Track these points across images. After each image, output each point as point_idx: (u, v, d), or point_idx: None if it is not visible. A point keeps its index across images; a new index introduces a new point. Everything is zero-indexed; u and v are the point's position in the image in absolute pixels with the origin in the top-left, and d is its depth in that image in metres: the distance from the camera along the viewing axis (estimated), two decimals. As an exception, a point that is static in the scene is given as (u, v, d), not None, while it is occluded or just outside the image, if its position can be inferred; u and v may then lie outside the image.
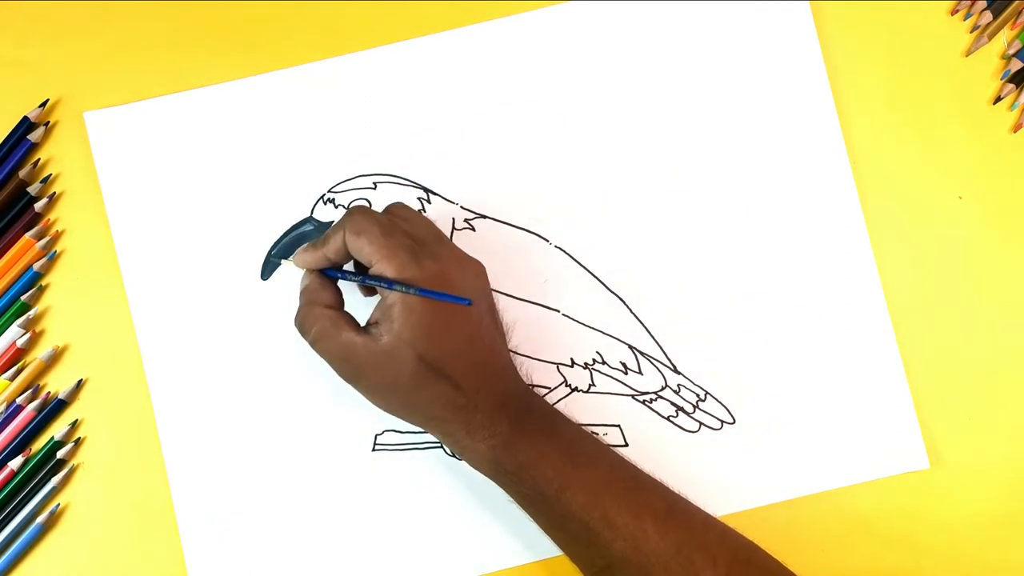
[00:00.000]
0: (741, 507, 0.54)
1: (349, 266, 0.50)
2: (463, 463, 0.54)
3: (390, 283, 0.46)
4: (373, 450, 0.55)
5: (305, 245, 0.50)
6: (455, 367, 0.47)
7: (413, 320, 0.46)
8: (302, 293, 0.50)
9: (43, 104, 0.56)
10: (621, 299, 0.55)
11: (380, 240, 0.46)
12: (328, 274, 0.50)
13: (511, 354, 0.51)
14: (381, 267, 0.46)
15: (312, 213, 0.55)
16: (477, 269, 0.50)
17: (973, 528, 0.55)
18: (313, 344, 0.48)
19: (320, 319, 0.48)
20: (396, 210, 0.50)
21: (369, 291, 0.51)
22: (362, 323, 0.48)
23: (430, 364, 0.46)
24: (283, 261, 0.53)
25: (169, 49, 0.57)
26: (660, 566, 0.46)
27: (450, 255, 0.49)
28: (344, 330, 0.47)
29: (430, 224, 0.50)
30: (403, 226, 0.48)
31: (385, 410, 0.49)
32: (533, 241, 0.56)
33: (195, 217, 0.56)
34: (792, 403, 0.55)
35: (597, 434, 0.55)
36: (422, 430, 0.55)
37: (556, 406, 0.55)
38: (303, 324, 0.49)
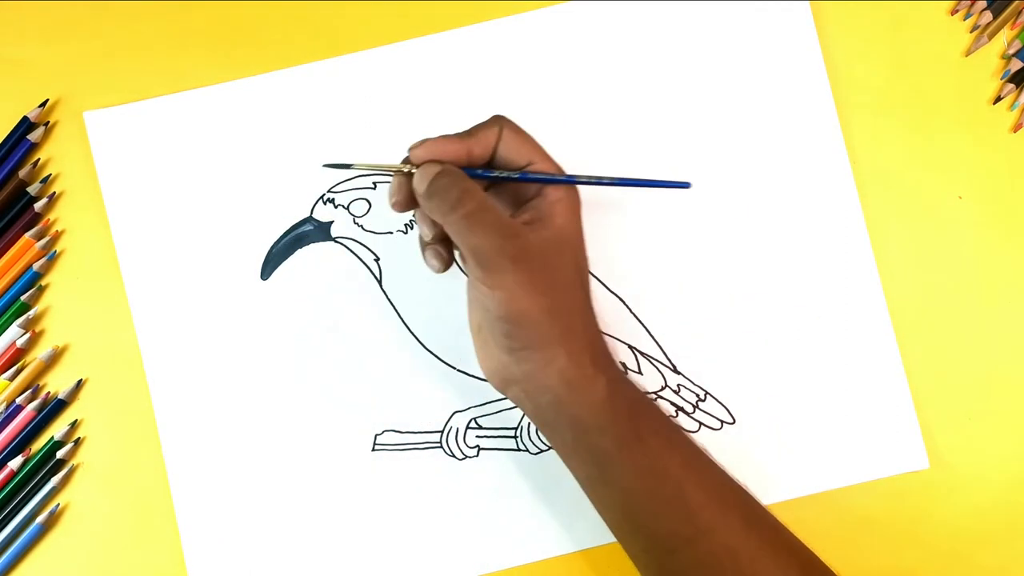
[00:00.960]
0: (741, 507, 0.54)
1: None
2: (463, 463, 0.54)
3: (571, 178, 0.44)
4: (373, 450, 0.55)
5: (435, 138, 0.45)
6: (588, 285, 0.45)
7: (574, 222, 0.44)
8: (441, 173, 0.44)
9: (43, 104, 0.56)
10: (621, 299, 0.55)
11: (536, 143, 0.45)
12: (467, 173, 0.45)
13: None
14: (545, 165, 0.45)
15: (312, 213, 0.55)
16: None
17: (973, 528, 0.55)
18: (468, 218, 0.42)
19: (479, 192, 0.43)
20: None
21: (440, 251, 0.47)
22: None
23: (579, 270, 0.44)
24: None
25: (169, 49, 0.57)
26: (744, 544, 0.43)
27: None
28: (503, 211, 0.44)
29: None
30: None
31: (524, 313, 0.43)
32: (533, 241, 0.56)
33: (195, 217, 0.56)
34: (792, 403, 0.55)
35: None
36: (422, 431, 0.55)
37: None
38: (458, 196, 0.43)
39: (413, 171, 0.45)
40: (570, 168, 0.56)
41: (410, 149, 0.45)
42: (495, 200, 0.47)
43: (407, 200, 0.46)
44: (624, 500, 0.44)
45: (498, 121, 0.45)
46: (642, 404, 0.45)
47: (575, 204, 0.45)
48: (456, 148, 0.44)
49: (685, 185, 0.44)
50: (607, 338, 0.55)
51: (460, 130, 0.47)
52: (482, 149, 0.45)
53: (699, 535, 0.43)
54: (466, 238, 0.42)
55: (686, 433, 0.47)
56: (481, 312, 0.45)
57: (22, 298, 0.55)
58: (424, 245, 0.47)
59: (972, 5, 0.57)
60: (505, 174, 0.45)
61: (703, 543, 0.42)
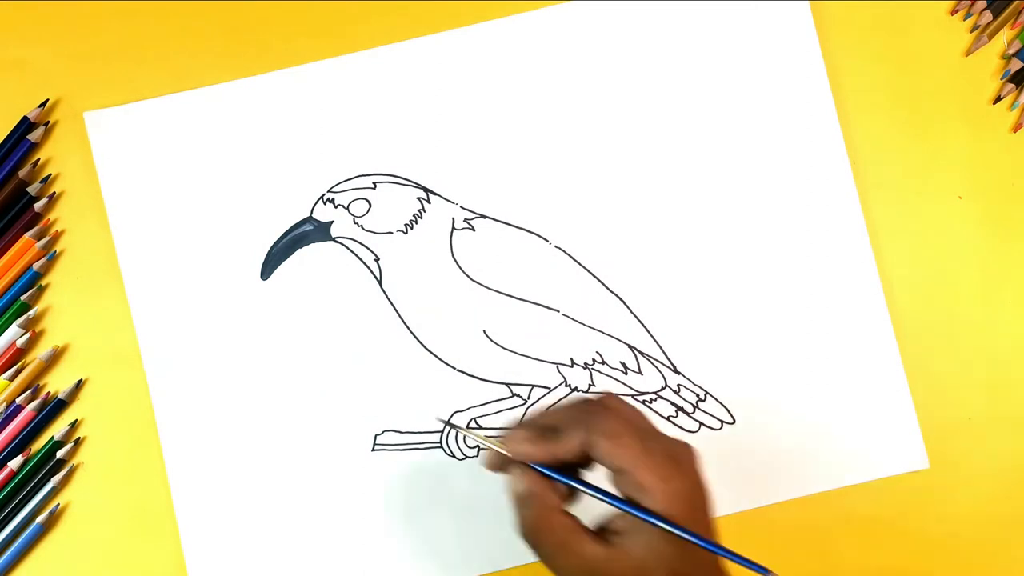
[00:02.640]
0: (741, 507, 0.54)
1: None
2: (463, 463, 0.54)
3: (661, 519, 0.39)
4: (373, 450, 0.55)
5: (522, 430, 0.42)
6: None
7: (663, 548, 0.40)
8: (524, 495, 0.42)
9: (43, 104, 0.56)
10: (621, 299, 0.55)
11: (639, 446, 0.40)
12: (552, 475, 0.42)
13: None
14: (641, 475, 0.40)
15: (312, 213, 0.55)
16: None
17: (973, 528, 0.55)
18: (549, 558, 0.41)
19: (558, 529, 0.41)
20: (619, 405, 0.43)
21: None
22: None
23: None
24: (491, 446, 0.43)
25: (169, 49, 0.57)
26: None
27: (690, 458, 0.42)
28: (586, 542, 0.40)
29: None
30: (653, 428, 0.42)
31: None
32: (533, 241, 0.56)
33: (195, 217, 0.56)
34: (792, 403, 0.55)
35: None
36: (422, 431, 0.55)
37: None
38: (538, 531, 0.41)
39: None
40: (569, 163, 0.56)
41: (506, 439, 0.43)
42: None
43: (501, 469, 0.44)
44: None
45: (588, 419, 0.41)
46: None
47: (677, 509, 0.40)
48: (543, 452, 0.42)
49: (765, 571, 0.40)
50: (609, 338, 0.55)
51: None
52: (566, 453, 0.41)
53: None
54: (549, 565, 0.41)
55: None
56: None
57: (22, 298, 0.55)
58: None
59: (972, 5, 0.57)
60: (589, 490, 0.42)
61: None
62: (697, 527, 0.40)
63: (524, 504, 0.42)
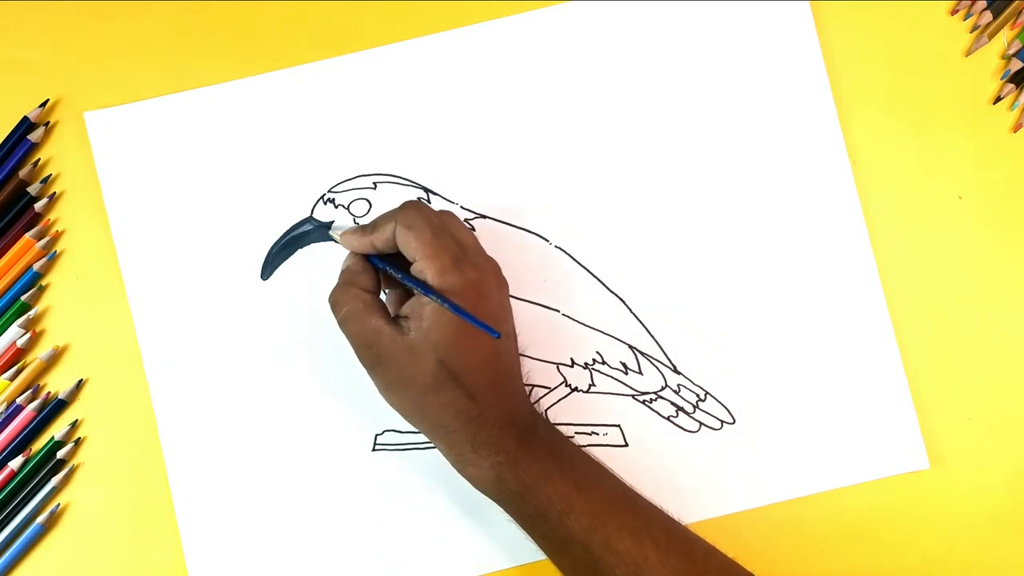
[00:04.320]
0: (741, 507, 0.54)
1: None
2: (463, 463, 0.55)
3: (427, 290, 0.46)
4: (373, 450, 0.55)
5: (355, 227, 0.50)
6: (473, 379, 0.47)
7: (442, 324, 0.46)
8: (342, 272, 0.50)
9: (43, 104, 0.56)
10: (621, 299, 0.55)
11: (429, 239, 0.47)
12: (371, 261, 0.50)
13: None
14: (424, 265, 0.47)
15: (312, 213, 0.55)
16: (506, 286, 0.51)
17: (973, 528, 0.55)
18: (341, 323, 0.48)
19: (353, 300, 0.48)
20: (446, 216, 0.50)
21: (390, 284, 0.51)
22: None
23: (450, 370, 0.46)
24: (332, 233, 0.53)
25: (169, 49, 0.57)
26: None
27: (488, 267, 0.49)
28: (375, 316, 0.47)
29: (473, 236, 0.51)
30: (452, 230, 0.49)
31: (395, 407, 0.49)
32: (533, 241, 0.56)
33: (195, 217, 0.56)
34: (792, 403, 0.55)
35: (597, 433, 0.55)
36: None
37: (556, 406, 0.55)
38: (336, 301, 0.49)
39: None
40: (569, 163, 0.56)
41: (342, 235, 0.51)
42: (392, 292, 0.51)
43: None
44: (548, 556, 0.49)
45: (394, 216, 0.48)
46: (538, 479, 0.47)
47: (443, 310, 0.46)
48: (362, 242, 0.49)
49: (495, 334, 0.46)
50: (609, 338, 0.55)
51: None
52: (383, 243, 0.48)
53: None
54: (344, 333, 0.49)
55: (595, 478, 0.49)
56: None
57: (22, 298, 0.55)
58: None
59: (972, 5, 0.57)
60: (393, 271, 0.49)
61: None
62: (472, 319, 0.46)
63: (339, 278, 0.50)
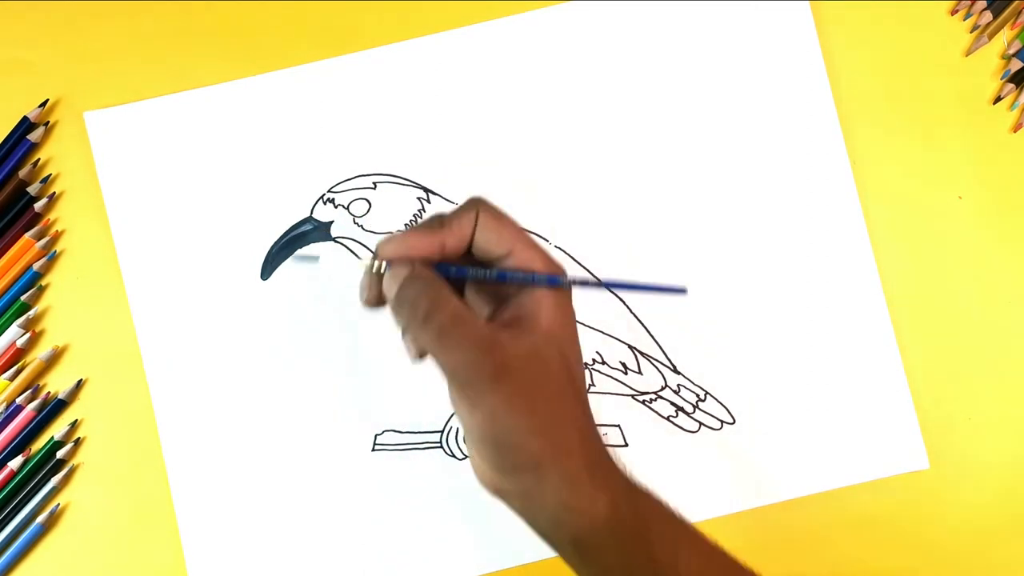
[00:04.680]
0: (741, 507, 0.54)
1: None
2: (463, 463, 0.54)
3: (553, 278, 0.39)
4: (373, 450, 0.55)
5: (406, 231, 0.40)
6: (584, 385, 0.39)
7: (563, 319, 0.39)
8: (410, 279, 0.38)
9: (43, 104, 0.56)
10: (621, 299, 0.55)
11: (519, 229, 0.39)
12: (440, 269, 0.39)
13: None
14: (527, 255, 0.39)
15: (312, 213, 0.55)
16: None
17: (973, 528, 0.55)
18: (440, 333, 0.37)
19: (452, 302, 0.38)
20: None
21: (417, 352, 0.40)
22: None
23: (572, 375, 0.39)
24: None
25: (169, 49, 0.57)
26: None
27: (544, 256, 0.41)
28: (479, 322, 0.38)
29: None
30: None
31: (505, 433, 0.37)
32: (533, 241, 0.56)
33: (195, 217, 0.56)
34: (792, 403, 0.55)
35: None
36: (422, 431, 0.55)
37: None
38: (428, 308, 0.37)
39: (383, 269, 0.40)
40: (569, 163, 0.56)
41: (379, 245, 0.40)
42: (474, 297, 0.42)
43: (378, 299, 0.40)
44: None
45: (474, 206, 0.40)
46: (652, 515, 0.39)
47: (564, 297, 0.39)
48: (428, 243, 0.39)
49: (681, 291, 0.39)
50: (609, 338, 0.55)
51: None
52: (456, 240, 0.39)
53: None
54: (439, 355, 0.38)
55: (701, 535, 0.40)
56: (463, 427, 0.39)
57: (22, 298, 0.55)
58: (402, 332, 0.40)
59: (972, 5, 0.57)
60: (483, 272, 0.40)
61: None
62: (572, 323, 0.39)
63: (413, 286, 0.38)
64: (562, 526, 0.38)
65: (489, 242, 0.39)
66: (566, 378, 0.38)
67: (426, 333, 0.38)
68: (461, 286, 0.41)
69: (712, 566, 0.39)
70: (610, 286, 0.40)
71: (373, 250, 0.40)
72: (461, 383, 0.37)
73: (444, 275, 0.39)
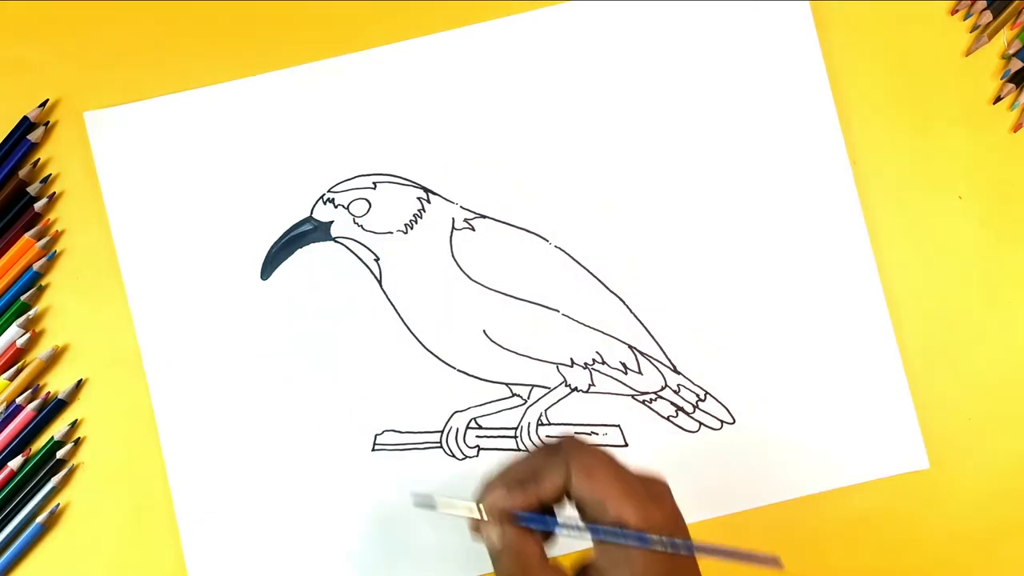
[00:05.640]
0: (741, 507, 0.54)
1: None
2: (463, 463, 0.54)
3: (643, 536, 0.38)
4: (373, 450, 0.55)
5: (494, 483, 0.41)
6: None
7: (655, 570, 0.38)
8: (507, 548, 0.40)
9: (43, 104, 0.56)
10: (621, 299, 0.55)
11: (616, 478, 0.39)
12: (528, 522, 0.40)
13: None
14: (620, 506, 0.39)
15: (312, 213, 0.55)
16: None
17: (973, 528, 0.55)
18: None
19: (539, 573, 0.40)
20: (587, 442, 0.42)
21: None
22: None
23: None
24: (473, 514, 0.41)
25: (169, 49, 0.57)
26: None
27: (665, 487, 0.41)
28: None
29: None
30: (615, 459, 0.41)
31: None
32: (533, 241, 0.56)
33: (195, 217, 0.56)
34: (792, 403, 0.55)
35: (597, 433, 0.55)
36: (422, 431, 0.55)
37: (556, 406, 0.55)
38: None
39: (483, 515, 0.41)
40: (569, 163, 0.56)
41: (482, 492, 0.41)
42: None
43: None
44: None
45: (565, 456, 0.40)
46: None
47: (651, 561, 0.38)
48: (523, 499, 0.40)
49: (775, 562, 0.38)
50: (609, 338, 0.55)
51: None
52: (550, 494, 0.40)
53: None
54: None
55: None
56: None
57: (22, 298, 0.55)
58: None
59: (972, 5, 0.57)
60: (572, 528, 0.40)
61: None
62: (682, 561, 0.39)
63: (507, 558, 0.40)
64: None
65: (582, 491, 0.39)
66: None
67: None
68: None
69: None
70: (699, 550, 0.39)
71: (479, 492, 0.41)
72: None
73: (537, 526, 0.40)
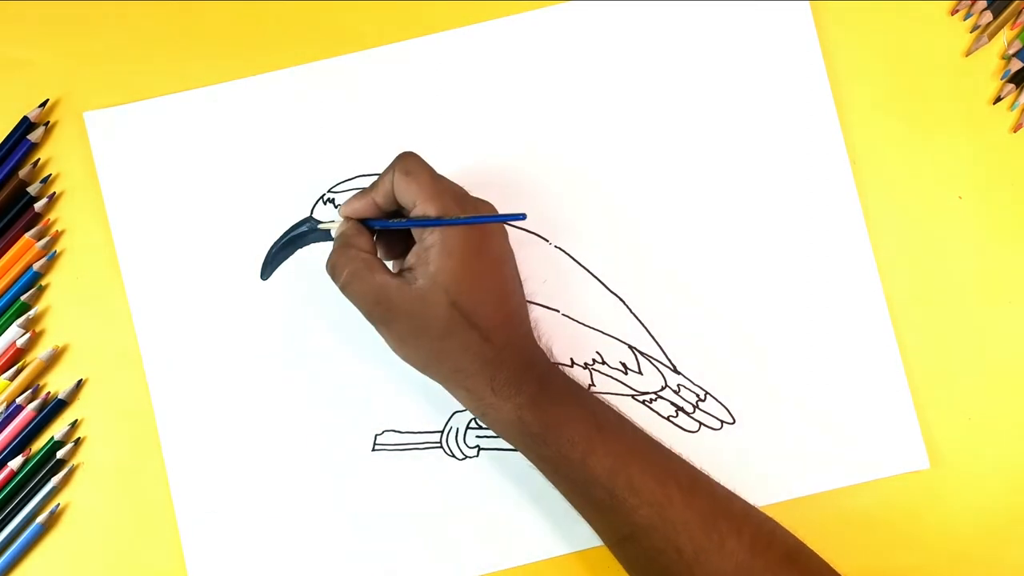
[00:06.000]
0: (741, 507, 0.54)
1: None
2: (463, 463, 0.54)
3: (436, 220, 0.46)
4: (373, 450, 0.55)
5: (354, 194, 0.50)
6: (487, 318, 0.47)
7: (451, 264, 0.46)
8: (337, 238, 0.49)
9: (43, 104, 0.56)
10: (621, 299, 0.55)
11: (428, 182, 0.47)
12: (368, 224, 0.49)
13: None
14: (426, 207, 0.46)
15: (312, 213, 0.55)
16: (505, 232, 0.51)
17: (973, 528, 0.55)
18: (344, 287, 0.48)
19: (353, 261, 0.47)
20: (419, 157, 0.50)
21: (388, 247, 0.51)
22: None
23: (463, 311, 0.46)
24: (334, 216, 0.52)
25: (169, 49, 0.57)
26: (686, 533, 0.45)
27: (487, 207, 0.49)
28: (378, 272, 0.47)
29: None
30: (447, 179, 0.49)
31: (409, 360, 0.49)
32: (533, 241, 0.56)
33: (195, 217, 0.56)
34: (792, 403, 0.55)
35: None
36: (422, 430, 0.55)
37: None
38: (335, 266, 0.48)
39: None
40: (569, 163, 0.56)
41: (340, 208, 0.50)
42: (386, 248, 0.51)
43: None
44: (569, 500, 0.49)
45: (392, 165, 0.48)
46: (563, 420, 0.47)
47: (453, 244, 0.46)
48: (364, 204, 0.49)
49: (520, 216, 0.45)
50: (609, 338, 0.55)
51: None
52: (383, 197, 0.48)
53: (644, 528, 0.46)
54: (347, 296, 0.48)
55: (616, 422, 0.49)
56: None
57: (22, 298, 0.55)
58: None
59: (972, 5, 0.57)
60: (387, 223, 0.49)
61: (654, 533, 0.46)
62: (474, 259, 0.47)
63: (335, 245, 0.49)
64: (486, 421, 0.49)
65: (401, 194, 0.47)
66: (453, 315, 0.46)
67: (334, 278, 0.48)
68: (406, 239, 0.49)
69: (621, 465, 0.46)
70: (449, 223, 0.46)
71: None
72: (369, 322, 0.48)
73: (370, 227, 0.49)
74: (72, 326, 0.56)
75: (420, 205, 0.46)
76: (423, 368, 0.49)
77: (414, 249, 0.47)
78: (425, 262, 0.46)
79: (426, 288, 0.46)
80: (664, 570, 0.46)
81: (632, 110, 0.56)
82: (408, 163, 0.47)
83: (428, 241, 0.46)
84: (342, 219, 0.50)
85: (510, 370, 0.47)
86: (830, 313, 0.55)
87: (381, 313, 0.47)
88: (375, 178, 0.55)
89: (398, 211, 0.49)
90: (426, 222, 0.46)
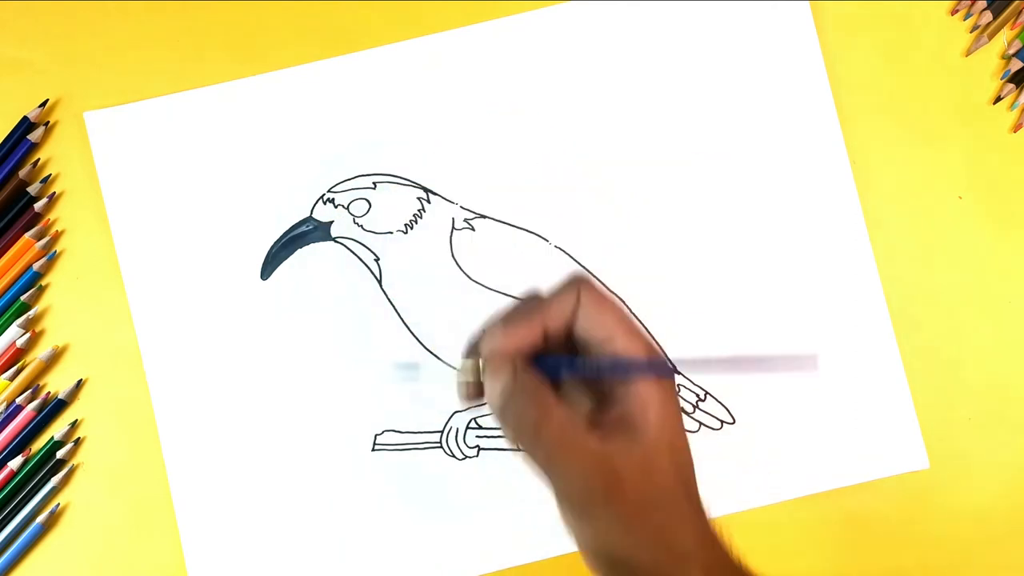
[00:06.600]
0: (741, 507, 0.54)
1: None
2: (463, 463, 0.54)
3: (661, 370, 0.36)
4: (373, 450, 0.55)
5: (506, 317, 0.37)
6: (695, 485, 0.37)
7: (670, 417, 0.36)
8: (515, 394, 0.36)
9: (43, 104, 0.56)
10: (621, 299, 0.55)
11: (623, 313, 0.36)
12: (542, 365, 0.36)
13: None
14: (628, 344, 0.36)
15: (312, 213, 0.55)
16: None
17: (972, 528, 0.55)
18: (549, 453, 0.36)
19: (558, 416, 0.35)
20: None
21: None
22: None
23: (684, 478, 0.36)
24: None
25: (169, 49, 0.57)
26: None
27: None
28: (589, 437, 0.35)
29: None
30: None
31: (605, 554, 0.36)
32: (533, 241, 0.56)
33: (195, 217, 0.56)
34: (792, 403, 0.55)
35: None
36: (422, 431, 0.55)
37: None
38: (535, 425, 0.35)
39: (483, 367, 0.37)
40: (569, 163, 0.56)
41: (479, 341, 0.37)
42: (572, 387, 0.38)
43: (477, 395, 0.38)
44: None
45: (575, 286, 0.37)
46: None
47: (669, 393, 0.36)
48: (528, 333, 0.36)
49: (811, 362, 0.35)
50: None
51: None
52: (558, 324, 0.37)
53: None
54: (548, 474, 0.36)
55: None
56: (571, 534, 0.37)
57: (22, 298, 0.55)
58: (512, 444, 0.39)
59: (972, 5, 0.57)
60: (584, 370, 0.37)
61: None
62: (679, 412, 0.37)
63: (522, 401, 0.36)
64: None
65: (589, 323, 0.36)
66: (679, 481, 0.36)
67: (536, 451, 0.36)
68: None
69: None
70: (726, 363, 0.38)
71: (471, 346, 0.38)
72: (572, 502, 0.36)
73: (546, 371, 0.36)
74: (72, 326, 0.56)
75: (620, 340, 0.36)
76: (636, 556, 0.36)
77: (619, 399, 0.36)
78: (643, 419, 0.35)
79: (652, 452, 0.35)
80: None
81: (632, 110, 0.56)
82: (594, 287, 0.37)
83: (643, 391, 0.36)
84: (490, 355, 0.37)
85: (720, 549, 0.37)
86: (830, 313, 0.55)
87: (604, 486, 0.35)
88: (383, 187, 0.55)
89: (567, 344, 0.38)
90: (641, 370, 0.35)
